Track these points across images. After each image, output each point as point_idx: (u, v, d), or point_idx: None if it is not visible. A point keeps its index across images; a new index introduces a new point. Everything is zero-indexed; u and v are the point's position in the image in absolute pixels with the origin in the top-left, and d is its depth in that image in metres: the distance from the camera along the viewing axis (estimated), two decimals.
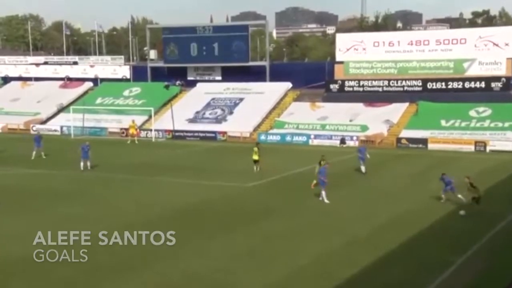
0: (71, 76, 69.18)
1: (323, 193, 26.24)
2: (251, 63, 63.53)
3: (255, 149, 34.70)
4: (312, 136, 50.43)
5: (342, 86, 57.40)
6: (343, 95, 56.48)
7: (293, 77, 60.25)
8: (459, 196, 25.43)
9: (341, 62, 58.43)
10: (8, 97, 67.37)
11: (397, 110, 52.74)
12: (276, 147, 47.77)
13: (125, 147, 48.66)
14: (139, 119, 57.19)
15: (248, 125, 54.18)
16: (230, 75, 62.97)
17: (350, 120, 52.17)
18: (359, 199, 27.55)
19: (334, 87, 57.76)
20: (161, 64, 68.24)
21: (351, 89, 57.17)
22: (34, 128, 58.33)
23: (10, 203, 26.93)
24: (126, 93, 64.23)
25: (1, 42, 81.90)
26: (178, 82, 63.65)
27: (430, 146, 46.36)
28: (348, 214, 24.95)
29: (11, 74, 71.59)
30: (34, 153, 40.26)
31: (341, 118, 52.71)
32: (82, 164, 35.50)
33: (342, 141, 48.63)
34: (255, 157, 34.41)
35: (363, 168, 34.09)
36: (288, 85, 59.97)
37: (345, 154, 41.23)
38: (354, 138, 48.92)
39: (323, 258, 19.08)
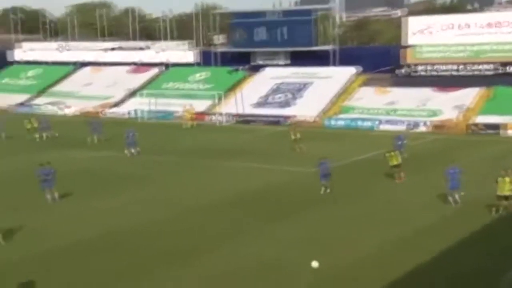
0: (141, 61, 70.27)
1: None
2: (318, 48, 62.75)
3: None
4: (379, 122, 49.51)
5: (411, 70, 56.02)
6: (412, 80, 55.13)
7: (361, 62, 59.20)
8: None
9: (411, 46, 56.91)
10: (81, 81, 69.34)
11: (469, 95, 50.98)
12: (342, 132, 47.32)
13: (191, 131, 49.07)
14: (206, 104, 57.80)
15: (315, 110, 53.70)
16: (297, 59, 62.56)
17: (420, 105, 50.91)
18: (427, 186, 26.69)
19: (403, 71, 56.43)
20: (228, 48, 68.41)
21: (420, 73, 55.73)
22: (103, 112, 59.77)
23: (88, 186, 27.79)
24: (193, 77, 64.88)
25: (75, 28, 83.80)
26: (241, 67, 63.58)
27: (505, 132, 44.63)
28: (415, 201, 24.40)
29: (84, 59, 73.33)
30: (95, 138, 40.99)
31: (410, 103, 51.49)
32: (126, 151, 35.82)
33: (412, 126, 47.58)
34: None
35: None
36: (356, 69, 59.03)
37: (414, 139, 40.27)
38: (422, 123, 47.78)
39: (389, 245, 18.80)
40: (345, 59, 60.22)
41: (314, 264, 15.50)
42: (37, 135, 42.62)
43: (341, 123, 50.80)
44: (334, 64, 61.01)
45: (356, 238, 19.60)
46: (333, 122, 51.18)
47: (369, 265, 17.08)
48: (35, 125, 43.52)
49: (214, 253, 18.37)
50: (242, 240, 19.68)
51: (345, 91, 56.97)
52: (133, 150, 35.99)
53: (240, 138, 44.86)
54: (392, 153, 28.48)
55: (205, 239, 19.85)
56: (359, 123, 50.10)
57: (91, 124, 42.22)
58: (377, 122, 49.42)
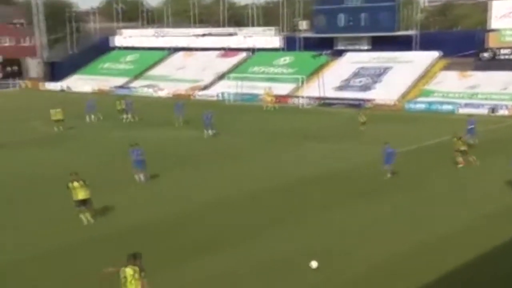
0: (229, 46, 70.38)
1: None
2: (399, 33, 60.39)
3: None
4: (460, 105, 47.04)
5: (495, 54, 52.88)
6: (496, 64, 52.06)
7: (443, 46, 56.55)
8: None
9: (495, 30, 53.58)
10: (174, 65, 70.42)
11: None
12: (422, 115, 45.51)
13: (272, 113, 48.37)
14: (289, 87, 57.17)
15: (395, 93, 51.85)
16: (378, 44, 60.61)
17: (502, 89, 48.02)
18: (498, 172, 24.71)
19: (486, 55, 53.31)
20: (311, 34, 67.19)
21: (505, 57, 52.45)
22: (193, 95, 60.37)
23: (170, 164, 27.93)
24: (278, 62, 64.31)
25: (170, 16, 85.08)
26: (324, 52, 62.33)
27: None
28: (482, 187, 23.15)
29: (177, 45, 74.32)
30: (180, 119, 40.41)
31: (492, 87, 48.66)
32: (205, 131, 35.44)
33: (493, 110, 44.96)
34: None
35: (472, 141, 30.39)
36: (437, 54, 56.42)
37: (494, 123, 37.95)
38: (504, 107, 45.20)
39: (460, 229, 17.90)
40: (426, 44, 57.79)
41: (313, 264, 14.40)
42: (124, 116, 43.12)
43: (421, 106, 48.76)
44: (415, 49, 58.61)
45: (427, 221, 18.79)
46: (413, 106, 49.22)
47: (426, 253, 16.15)
48: (123, 106, 43.80)
49: (282, 228, 18.19)
50: (327, 213, 19.51)
51: (426, 75, 54.67)
52: (210, 131, 35.64)
53: (321, 120, 44.00)
54: (457, 138, 26.75)
55: (278, 216, 19.65)
56: (440, 106, 47.91)
57: (176, 106, 42.02)
58: (458, 106, 47.04)
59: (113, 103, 44.22)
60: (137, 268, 11.54)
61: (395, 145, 30.29)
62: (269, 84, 56.45)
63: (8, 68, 76.55)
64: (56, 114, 38.64)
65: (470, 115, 34.80)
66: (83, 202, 18.60)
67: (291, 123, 42.21)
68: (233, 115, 45.30)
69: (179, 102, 43.38)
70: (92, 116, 42.97)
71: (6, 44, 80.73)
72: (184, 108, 41.48)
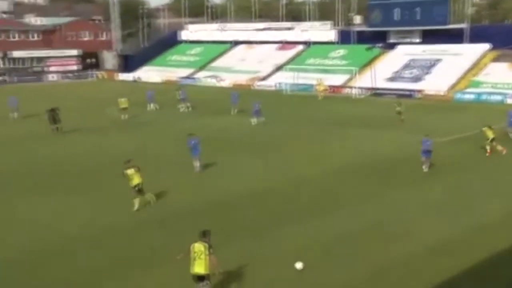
0: (287, 39, 70.60)
1: None
2: (450, 26, 59.03)
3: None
4: (509, 95, 45.83)
5: None
6: None
7: (492, 39, 55.02)
8: None
9: None
10: (236, 57, 71.32)
11: None
12: (470, 105, 44.67)
13: (323, 102, 48.48)
14: (343, 78, 57.05)
15: (444, 84, 50.96)
16: (429, 37, 59.53)
17: None
18: None
19: None
20: (365, 28, 66.57)
21: None
22: (253, 85, 61.11)
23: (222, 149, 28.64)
24: (332, 54, 64.14)
25: (232, 12, 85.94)
26: (378, 45, 61.78)
27: None
28: None
29: (238, 39, 75.13)
30: (235, 108, 40.07)
31: None
32: (252, 119, 35.49)
33: None
34: None
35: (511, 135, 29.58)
36: (487, 46, 54.93)
37: None
38: None
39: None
40: (476, 37, 56.44)
41: (298, 265, 13.83)
42: (181, 105, 42.92)
43: (470, 96, 47.83)
44: (466, 42, 57.27)
45: (479, 207, 18.71)
46: (462, 96, 48.31)
47: (478, 235, 16.29)
48: (181, 96, 43.38)
49: (341, 210, 18.51)
50: (369, 201, 19.55)
51: (475, 67, 53.42)
52: (256, 119, 35.45)
53: (372, 109, 43.81)
54: (488, 127, 26.28)
55: (335, 199, 19.98)
56: (488, 97, 46.88)
57: (232, 96, 41.58)
58: (506, 96, 45.86)
59: (173, 93, 45.02)
60: (206, 245, 11.90)
61: (441, 134, 30.24)
62: (323, 75, 56.48)
63: (88, 60, 79.50)
64: (122, 102, 39.51)
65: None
66: (137, 187, 18.60)
67: (342, 111, 42.36)
68: (288, 104, 45.75)
69: (235, 92, 43.22)
70: (152, 105, 43.76)
71: (86, 39, 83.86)
72: (239, 98, 41.00)
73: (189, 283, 12.01)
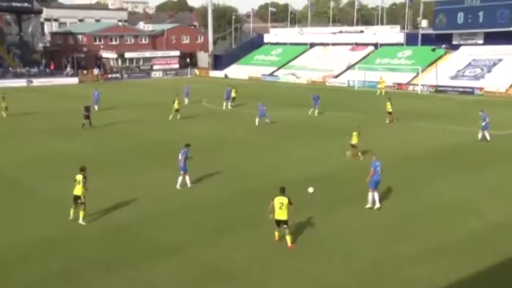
0: (358, 41, 68.70)
1: None
2: None
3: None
4: None
5: None
6: None
7: None
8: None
9: None
10: (312, 57, 70.36)
11: None
12: None
13: (384, 97, 46.41)
14: (409, 76, 54.83)
15: (505, 82, 47.60)
16: (492, 39, 55.60)
17: None
18: None
19: None
20: (430, 31, 63.36)
21: None
22: (328, 81, 60.11)
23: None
24: (399, 55, 61.72)
25: (310, 17, 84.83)
26: (443, 46, 58.72)
27: None
28: None
29: (315, 41, 74.05)
30: (312, 110, 35.42)
31: None
32: (311, 110, 34.48)
33: None
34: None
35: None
36: None
37: None
38: None
39: None
40: None
41: (310, 189, 15.30)
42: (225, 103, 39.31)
43: None
44: None
45: None
46: None
47: None
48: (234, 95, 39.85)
49: (404, 192, 17.97)
50: (436, 184, 19.02)
51: None
52: (316, 111, 34.35)
53: (434, 104, 41.78)
54: None
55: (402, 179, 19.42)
56: None
57: (313, 98, 36.21)
58: None
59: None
60: (285, 199, 13.39)
61: (500, 127, 28.28)
62: (390, 74, 54.41)
63: (187, 60, 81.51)
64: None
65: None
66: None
67: (403, 105, 40.59)
68: (355, 98, 44.47)
69: (316, 95, 36.74)
70: (186, 100, 40.96)
71: (184, 42, 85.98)
72: (318, 98, 35.91)
73: None
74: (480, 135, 26.08)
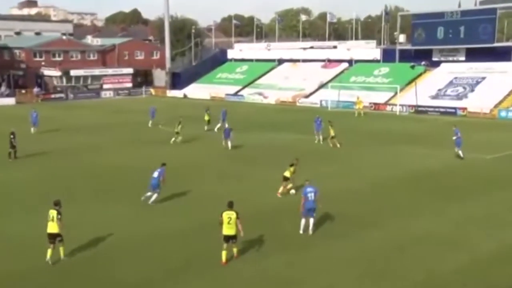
0: (331, 58, 70.06)
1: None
2: (496, 44, 57.15)
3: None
4: None
5: None
6: None
7: None
8: None
9: None
10: (281, 75, 71.07)
11: None
12: None
13: (363, 119, 47.51)
14: (386, 95, 56.08)
15: (489, 102, 49.23)
16: (473, 55, 57.69)
17: None
18: None
19: None
20: (408, 46, 65.37)
21: None
22: (299, 101, 60.78)
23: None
24: (376, 72, 63.20)
25: (278, 31, 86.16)
26: (423, 63, 60.58)
27: None
28: None
29: (283, 57, 75.00)
30: (320, 136, 34.66)
31: None
32: (316, 137, 34.34)
33: None
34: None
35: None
36: None
37: None
38: None
39: None
40: None
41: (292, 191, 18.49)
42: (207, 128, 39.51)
43: None
44: (510, 60, 55.18)
45: None
46: (507, 114, 46.54)
47: None
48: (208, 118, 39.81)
49: (390, 223, 17.96)
50: (417, 214, 19.19)
51: None
52: (321, 137, 34.38)
53: (414, 126, 42.70)
54: None
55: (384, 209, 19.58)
56: None
57: (315, 122, 35.39)
58: None
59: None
60: (233, 213, 14.43)
61: (485, 151, 29.02)
62: (366, 93, 55.54)
63: (138, 78, 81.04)
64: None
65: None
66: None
67: (382, 127, 41.44)
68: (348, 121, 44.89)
69: (318, 118, 35.82)
70: (150, 122, 42.24)
71: (138, 58, 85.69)
72: (321, 125, 35.06)
73: None
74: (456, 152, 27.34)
